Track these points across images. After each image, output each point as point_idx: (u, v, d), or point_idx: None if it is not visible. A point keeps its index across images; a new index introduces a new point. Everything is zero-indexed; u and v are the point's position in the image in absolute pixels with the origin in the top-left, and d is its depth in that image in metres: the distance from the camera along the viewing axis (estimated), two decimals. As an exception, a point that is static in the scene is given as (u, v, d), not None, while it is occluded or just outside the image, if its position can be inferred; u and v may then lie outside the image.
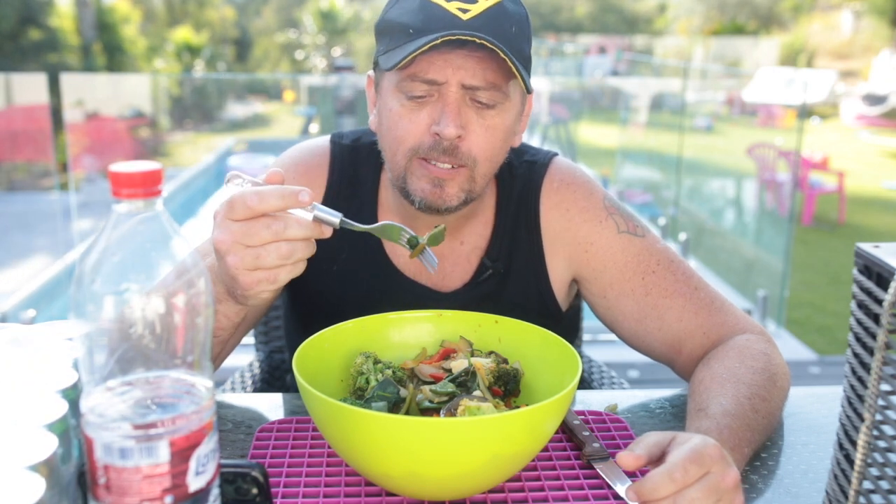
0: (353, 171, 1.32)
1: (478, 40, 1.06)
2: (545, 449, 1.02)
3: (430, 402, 1.00)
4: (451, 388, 1.01)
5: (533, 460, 0.99)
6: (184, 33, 21.53)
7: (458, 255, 1.30)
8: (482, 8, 1.10)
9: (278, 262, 0.93)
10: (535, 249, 1.29)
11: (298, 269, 0.96)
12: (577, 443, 1.03)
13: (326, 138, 1.36)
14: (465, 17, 1.09)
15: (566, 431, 1.06)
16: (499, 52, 1.07)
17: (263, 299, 1.00)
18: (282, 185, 0.94)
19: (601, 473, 0.96)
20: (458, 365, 1.04)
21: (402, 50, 1.10)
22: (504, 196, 1.31)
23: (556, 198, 1.30)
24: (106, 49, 17.56)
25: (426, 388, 1.02)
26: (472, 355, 1.09)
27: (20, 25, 14.78)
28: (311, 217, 0.94)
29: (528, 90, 1.14)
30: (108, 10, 18.53)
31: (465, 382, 1.02)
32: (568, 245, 1.28)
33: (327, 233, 0.96)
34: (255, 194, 0.91)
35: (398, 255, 1.29)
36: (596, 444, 1.01)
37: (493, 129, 1.14)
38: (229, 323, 1.08)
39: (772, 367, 1.11)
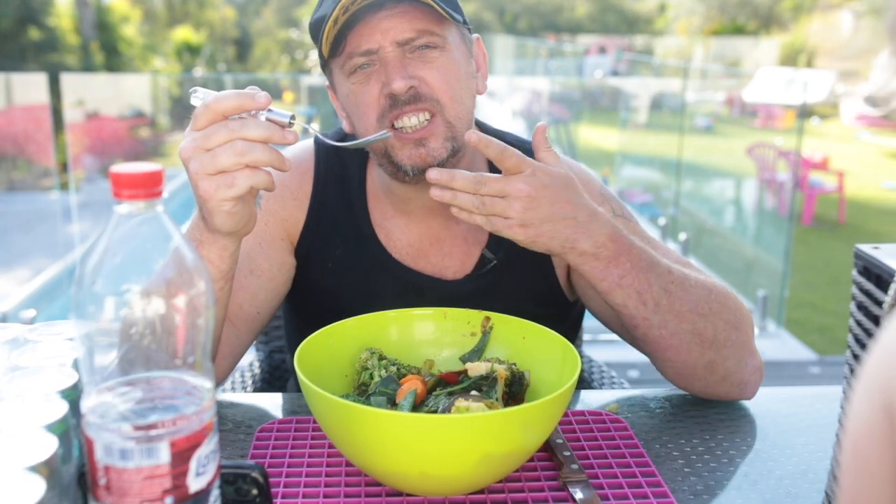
0: (340, 169, 1.33)
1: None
2: (531, 459, 1.00)
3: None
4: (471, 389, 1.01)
5: (513, 474, 0.97)
6: (184, 33, 21.54)
7: (455, 236, 1.31)
8: None
9: (234, 159, 0.93)
10: None
11: (259, 178, 0.96)
12: (557, 463, 0.99)
13: (310, 140, 1.38)
14: None
15: (549, 450, 1.03)
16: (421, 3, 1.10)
17: (229, 218, 0.98)
18: (229, 98, 0.95)
19: (574, 497, 0.93)
20: (474, 368, 1.04)
21: (323, 33, 1.13)
22: None
23: None
24: (105, 49, 17.56)
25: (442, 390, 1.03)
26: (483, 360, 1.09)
27: (20, 25, 14.78)
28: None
29: (466, 25, 1.17)
30: (108, 10, 18.53)
31: (481, 387, 1.02)
32: None
33: (290, 137, 0.96)
34: (214, 98, 0.94)
35: (394, 243, 1.30)
36: (574, 466, 0.97)
37: (443, 69, 1.16)
38: (217, 272, 1.05)
39: (718, 290, 1.14)
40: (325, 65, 1.23)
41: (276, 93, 13.66)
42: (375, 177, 1.32)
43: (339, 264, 1.31)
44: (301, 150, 1.36)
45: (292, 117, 0.97)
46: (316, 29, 1.18)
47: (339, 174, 1.33)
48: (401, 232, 1.30)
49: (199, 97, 0.99)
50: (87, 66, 16.26)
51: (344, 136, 1.34)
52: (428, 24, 1.13)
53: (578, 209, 1.03)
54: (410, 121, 1.14)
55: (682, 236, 5.61)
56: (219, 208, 0.97)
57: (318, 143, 1.36)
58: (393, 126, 1.15)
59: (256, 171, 0.96)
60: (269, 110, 0.96)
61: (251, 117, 0.95)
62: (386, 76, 1.13)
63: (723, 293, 1.14)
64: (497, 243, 1.30)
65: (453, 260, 1.30)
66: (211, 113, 0.94)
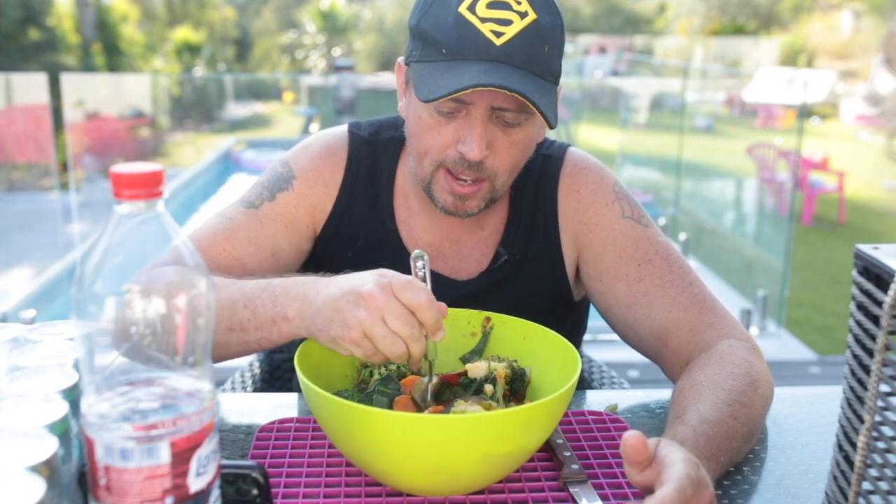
0: (371, 163, 1.34)
1: (507, 92, 1.06)
2: (531, 459, 1.00)
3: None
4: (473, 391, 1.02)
5: (513, 474, 0.97)
6: (184, 33, 21.53)
7: (477, 240, 1.33)
8: (517, 30, 1.09)
9: (386, 350, 0.92)
10: (551, 238, 1.32)
11: (372, 360, 0.95)
12: (557, 463, 0.99)
13: (345, 128, 1.38)
14: (498, 41, 1.09)
15: (549, 450, 1.02)
16: (526, 99, 1.07)
17: (331, 349, 0.97)
18: (439, 315, 0.94)
19: (574, 497, 0.92)
20: (475, 368, 1.04)
21: (435, 75, 1.10)
22: (519, 187, 1.33)
23: (569, 181, 1.33)
24: (105, 49, 17.55)
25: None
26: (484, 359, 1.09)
27: (20, 25, 14.77)
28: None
29: (550, 125, 1.13)
30: (108, 10, 18.53)
31: (483, 388, 1.02)
32: (575, 225, 1.31)
33: (414, 363, 0.95)
34: (429, 300, 0.92)
35: (415, 242, 1.32)
36: (575, 466, 0.97)
37: (516, 145, 1.17)
38: (278, 339, 1.03)
39: (753, 374, 1.08)
40: (409, 63, 1.20)
41: (276, 93, 13.66)
42: (407, 173, 1.33)
43: (359, 255, 1.32)
44: (335, 137, 1.36)
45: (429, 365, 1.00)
46: (418, 36, 1.16)
47: (370, 166, 1.34)
48: (423, 230, 1.32)
49: (420, 266, 1.00)
50: (88, 66, 16.24)
51: (377, 132, 1.36)
52: (526, 101, 1.11)
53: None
54: (463, 176, 1.17)
55: (682, 236, 5.60)
56: (333, 345, 0.96)
57: (351, 132, 1.36)
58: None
59: (375, 356, 0.95)
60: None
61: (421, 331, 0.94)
62: (467, 136, 1.13)
63: (756, 381, 1.08)
64: (511, 240, 1.31)
65: (469, 262, 1.32)
66: (413, 306, 0.92)
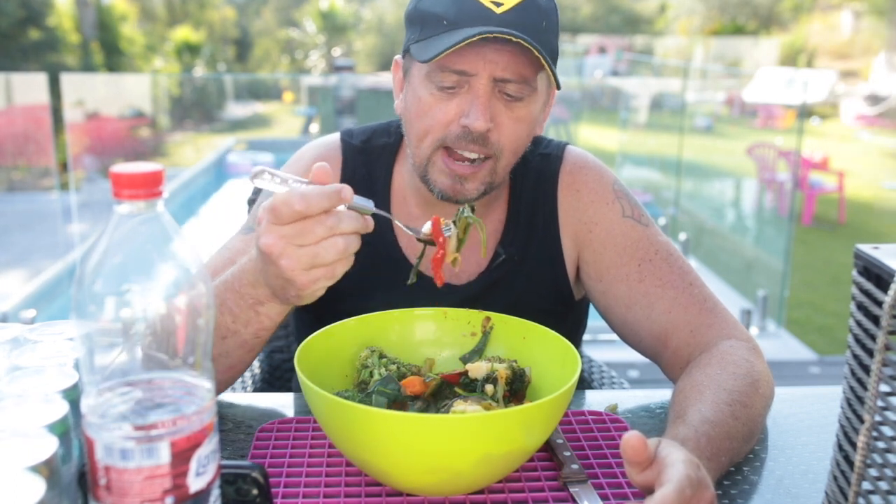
0: (366, 171, 1.34)
1: (514, 38, 1.08)
2: (531, 459, 1.00)
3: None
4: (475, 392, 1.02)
5: (512, 474, 0.97)
6: (184, 33, 21.54)
7: (476, 241, 1.32)
8: (515, 1, 1.12)
9: (336, 257, 0.93)
10: (551, 237, 1.32)
11: (350, 262, 0.96)
12: (557, 463, 0.99)
13: (337, 136, 1.38)
14: (498, 10, 1.11)
15: (549, 450, 1.02)
16: (532, 49, 1.09)
17: (317, 295, 0.98)
18: (322, 186, 0.93)
19: (574, 497, 0.92)
20: (475, 368, 1.04)
21: (437, 41, 1.12)
22: (517, 186, 1.33)
23: (569, 179, 1.33)
24: (105, 48, 17.55)
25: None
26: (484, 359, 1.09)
27: (20, 25, 14.77)
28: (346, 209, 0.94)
29: (558, 86, 1.17)
30: (108, 10, 18.53)
31: (484, 387, 1.03)
32: (575, 224, 1.31)
33: (370, 225, 0.96)
34: (300, 198, 0.90)
35: (415, 247, 1.31)
36: (575, 466, 0.97)
37: (520, 121, 1.17)
38: (272, 323, 1.07)
39: (754, 374, 1.08)
40: (408, 51, 1.21)
41: (276, 93, 13.66)
42: (406, 175, 1.33)
43: (357, 263, 1.31)
44: (327, 147, 1.37)
45: (374, 204, 0.97)
46: (417, 19, 1.17)
47: (365, 174, 1.34)
48: None
49: (266, 179, 0.96)
50: (87, 66, 16.23)
51: (370, 139, 1.35)
52: (527, 69, 1.13)
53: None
54: (467, 153, 1.16)
55: (682, 236, 5.60)
56: (314, 295, 0.97)
57: (344, 140, 1.36)
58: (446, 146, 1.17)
59: (350, 257, 0.95)
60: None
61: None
62: (470, 108, 1.13)
63: (757, 381, 1.08)
64: (510, 239, 1.31)
65: (469, 263, 1.31)
66: (298, 214, 0.91)
